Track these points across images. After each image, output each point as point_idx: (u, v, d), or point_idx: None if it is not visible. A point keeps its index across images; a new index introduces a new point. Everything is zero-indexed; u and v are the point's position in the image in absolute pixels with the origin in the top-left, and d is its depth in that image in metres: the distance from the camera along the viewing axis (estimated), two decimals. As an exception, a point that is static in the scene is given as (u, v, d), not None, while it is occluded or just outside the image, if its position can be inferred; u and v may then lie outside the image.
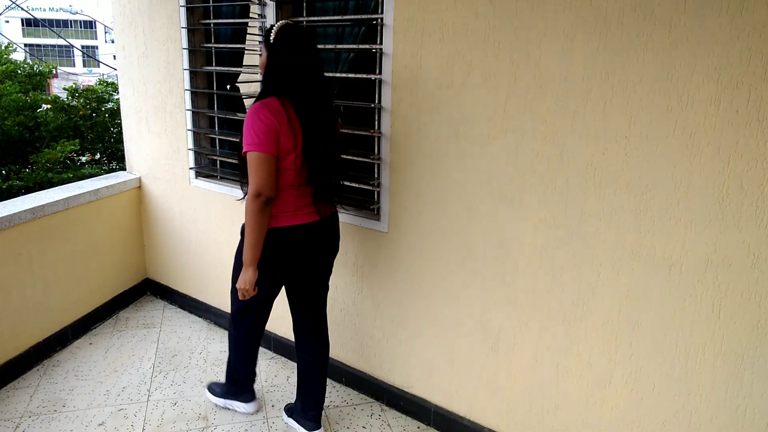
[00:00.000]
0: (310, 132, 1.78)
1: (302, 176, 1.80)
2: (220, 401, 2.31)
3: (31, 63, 6.76)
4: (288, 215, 1.82)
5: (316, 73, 1.80)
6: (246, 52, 2.68)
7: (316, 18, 2.25)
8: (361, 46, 2.11)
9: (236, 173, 2.73)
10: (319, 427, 2.13)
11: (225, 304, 2.91)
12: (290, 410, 2.25)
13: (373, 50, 2.05)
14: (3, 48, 6.75)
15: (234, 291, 1.96)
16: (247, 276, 1.78)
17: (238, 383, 2.25)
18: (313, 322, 2.12)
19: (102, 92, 6.04)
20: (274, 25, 1.77)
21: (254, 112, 1.72)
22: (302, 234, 1.85)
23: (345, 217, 2.28)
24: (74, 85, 6.00)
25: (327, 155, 1.86)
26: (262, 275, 1.83)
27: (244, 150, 1.72)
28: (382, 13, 1.98)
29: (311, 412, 2.13)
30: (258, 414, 2.28)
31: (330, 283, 2.43)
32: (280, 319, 2.67)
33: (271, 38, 1.76)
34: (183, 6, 2.61)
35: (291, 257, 1.88)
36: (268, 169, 1.71)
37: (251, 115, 1.72)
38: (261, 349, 2.76)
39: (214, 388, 2.34)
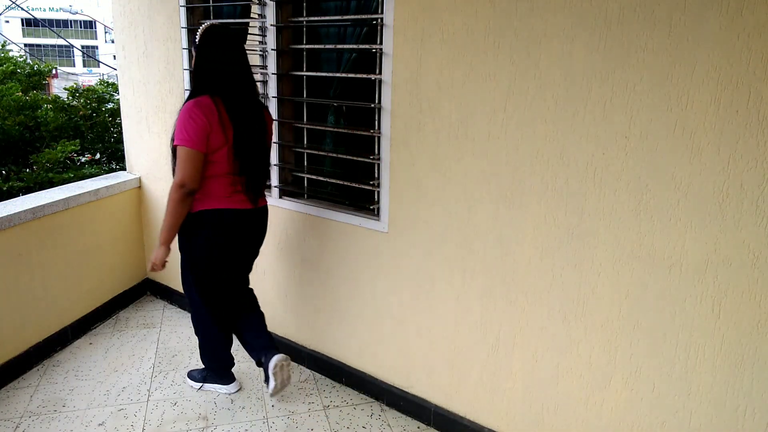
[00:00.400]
0: (240, 128, 1.95)
1: (235, 167, 1.97)
2: (198, 385, 2.43)
3: (31, 63, 6.76)
4: (223, 199, 2.00)
5: (242, 71, 1.99)
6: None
7: (316, 18, 2.25)
8: (360, 46, 2.12)
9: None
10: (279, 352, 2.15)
11: (225, 304, 2.92)
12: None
13: (373, 50, 2.05)
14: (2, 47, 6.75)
15: (193, 286, 2.18)
16: (160, 253, 2.01)
17: (219, 368, 2.38)
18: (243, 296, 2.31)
19: (102, 92, 6.04)
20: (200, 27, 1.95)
21: (187, 110, 1.89)
22: (236, 218, 2.03)
23: (345, 217, 2.28)
24: (74, 85, 6.00)
25: (257, 149, 2.04)
26: (211, 261, 2.05)
27: (175, 144, 1.90)
28: (382, 13, 1.98)
29: (269, 344, 2.18)
30: (258, 414, 2.28)
31: (329, 283, 2.44)
32: (281, 319, 2.67)
33: (197, 39, 1.94)
34: (183, 6, 2.61)
35: (226, 237, 2.04)
36: (194, 164, 1.89)
37: (184, 113, 1.88)
38: (261, 349, 2.77)
39: (193, 374, 2.46)
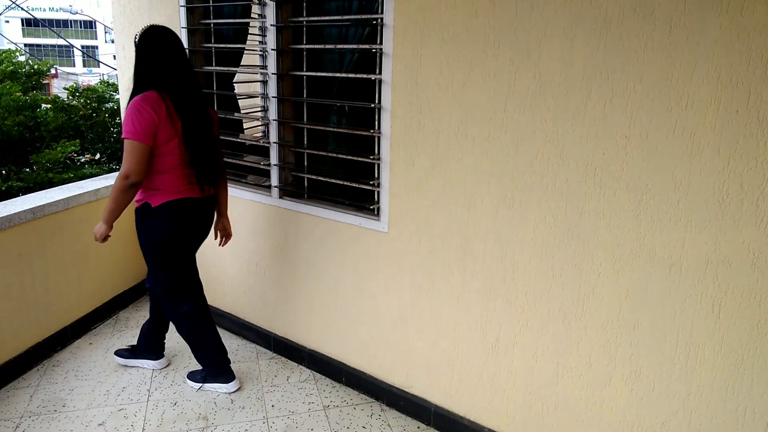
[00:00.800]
0: (188, 121, 2.06)
1: (186, 159, 2.09)
2: (198, 386, 2.44)
3: (31, 63, 6.76)
4: (176, 192, 2.11)
5: (185, 68, 2.09)
6: (246, 52, 2.68)
7: (316, 18, 2.25)
8: (360, 46, 2.11)
9: (236, 173, 2.73)
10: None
11: (225, 304, 2.92)
12: (133, 352, 2.57)
13: (373, 50, 2.05)
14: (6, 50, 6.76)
15: (159, 279, 2.26)
16: (102, 228, 2.12)
17: (216, 365, 2.41)
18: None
19: (102, 92, 6.04)
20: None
21: (135, 104, 1.97)
22: (191, 206, 2.16)
23: (345, 217, 2.28)
24: (74, 85, 6.00)
25: (205, 140, 2.14)
26: (170, 250, 2.17)
27: (123, 136, 1.97)
28: (382, 13, 1.98)
29: (161, 344, 2.57)
30: (258, 414, 2.28)
31: (329, 283, 2.44)
32: (280, 319, 2.67)
33: (136, 39, 2.05)
34: (183, 6, 2.61)
35: (183, 226, 2.17)
36: (139, 157, 1.97)
37: (133, 107, 1.96)
38: (261, 349, 2.77)
39: (194, 375, 2.47)
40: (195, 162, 2.10)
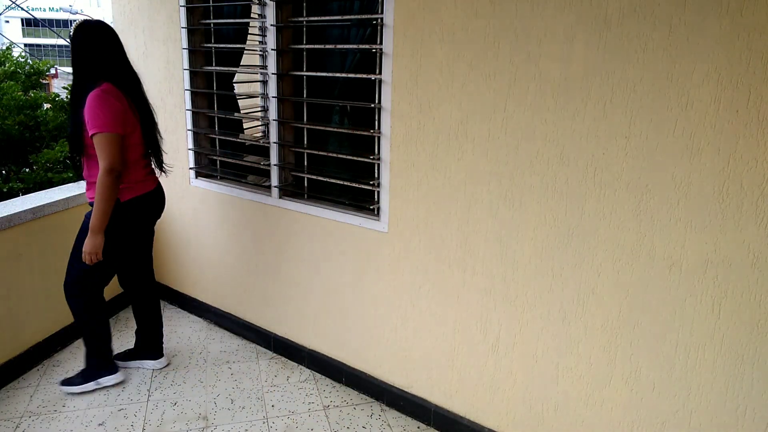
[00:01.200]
0: (144, 111, 2.15)
1: (143, 150, 2.16)
2: (90, 385, 2.36)
3: (31, 63, 6.76)
4: (140, 185, 2.17)
5: (126, 61, 2.13)
6: (246, 52, 2.68)
7: (316, 18, 2.25)
8: (360, 46, 2.11)
9: (237, 173, 2.73)
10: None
11: (225, 304, 2.92)
12: (129, 354, 2.55)
13: (373, 50, 2.05)
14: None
15: (74, 263, 2.19)
16: (97, 241, 2.04)
17: (102, 357, 2.38)
18: (148, 274, 2.49)
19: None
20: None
21: (97, 97, 1.95)
22: (152, 199, 2.24)
23: (345, 217, 2.28)
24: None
25: (156, 130, 2.25)
26: (116, 242, 2.14)
27: (93, 132, 1.94)
28: (382, 13, 1.98)
29: (159, 344, 2.57)
30: (258, 414, 2.28)
31: (329, 283, 2.44)
32: (281, 319, 2.67)
33: (72, 34, 2.05)
34: (183, 6, 2.61)
35: (146, 219, 2.26)
36: (117, 147, 1.98)
37: (96, 101, 1.95)
38: (261, 349, 2.77)
39: (73, 380, 2.37)
40: (152, 152, 2.22)
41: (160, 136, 2.31)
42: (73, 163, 2.22)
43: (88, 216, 2.12)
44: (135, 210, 2.17)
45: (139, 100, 2.15)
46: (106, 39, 2.07)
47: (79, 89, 2.04)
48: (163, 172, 2.33)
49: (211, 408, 2.31)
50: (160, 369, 2.57)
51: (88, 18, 2.15)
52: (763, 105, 1.36)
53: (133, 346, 2.61)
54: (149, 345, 2.56)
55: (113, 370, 2.41)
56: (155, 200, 2.28)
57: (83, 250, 2.07)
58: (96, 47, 2.05)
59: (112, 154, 1.97)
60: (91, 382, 2.36)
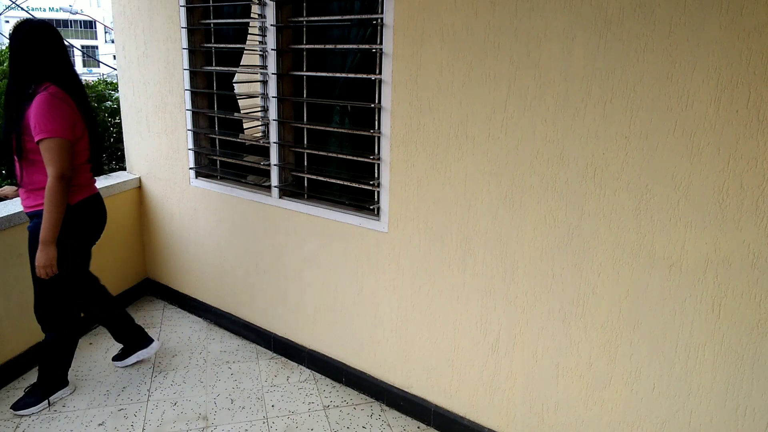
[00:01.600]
0: (89, 115, 2.08)
1: (89, 155, 2.12)
2: (44, 404, 2.25)
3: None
4: (85, 188, 2.12)
5: (67, 63, 2.03)
6: (246, 52, 2.68)
7: (316, 18, 2.25)
8: (360, 46, 2.11)
9: (237, 173, 2.74)
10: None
11: (225, 304, 2.92)
12: (124, 353, 2.54)
13: (373, 50, 2.05)
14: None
15: (36, 284, 2.10)
16: (51, 253, 1.94)
17: (59, 378, 2.30)
18: (91, 281, 2.44)
19: (102, 90, 6.03)
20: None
21: (45, 101, 1.87)
22: (97, 201, 2.20)
23: (345, 217, 2.28)
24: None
25: (100, 134, 2.20)
26: (71, 248, 2.07)
27: (41, 137, 1.86)
28: (382, 13, 1.98)
29: (142, 333, 2.55)
30: (258, 414, 2.28)
31: (329, 283, 2.44)
32: (281, 319, 2.67)
33: (11, 34, 1.96)
34: (183, 6, 2.61)
35: (95, 221, 2.20)
36: (68, 153, 1.92)
37: (43, 105, 1.86)
38: (261, 349, 2.77)
39: (27, 401, 2.22)
40: (93, 156, 2.15)
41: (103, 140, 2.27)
42: (17, 171, 2.03)
43: (31, 229, 2.02)
44: (86, 212, 2.12)
45: (83, 103, 2.06)
46: (51, 39, 1.97)
47: (15, 91, 1.95)
48: (95, 180, 2.22)
49: (211, 408, 2.31)
50: (156, 353, 2.63)
51: (29, 17, 2.06)
52: (763, 105, 1.36)
53: (122, 347, 2.58)
54: (133, 339, 2.54)
55: (65, 382, 2.33)
56: (101, 203, 2.22)
57: (36, 264, 1.95)
58: (41, 47, 1.94)
59: (63, 160, 1.89)
60: (45, 401, 2.26)
